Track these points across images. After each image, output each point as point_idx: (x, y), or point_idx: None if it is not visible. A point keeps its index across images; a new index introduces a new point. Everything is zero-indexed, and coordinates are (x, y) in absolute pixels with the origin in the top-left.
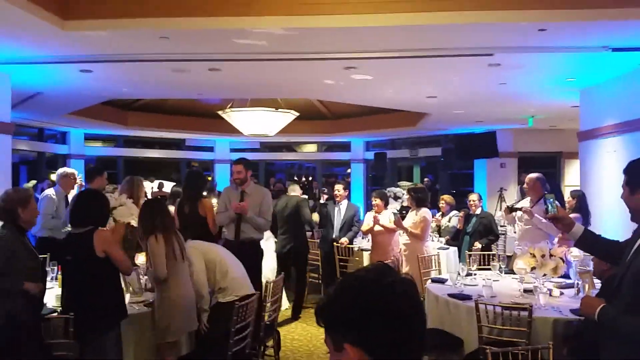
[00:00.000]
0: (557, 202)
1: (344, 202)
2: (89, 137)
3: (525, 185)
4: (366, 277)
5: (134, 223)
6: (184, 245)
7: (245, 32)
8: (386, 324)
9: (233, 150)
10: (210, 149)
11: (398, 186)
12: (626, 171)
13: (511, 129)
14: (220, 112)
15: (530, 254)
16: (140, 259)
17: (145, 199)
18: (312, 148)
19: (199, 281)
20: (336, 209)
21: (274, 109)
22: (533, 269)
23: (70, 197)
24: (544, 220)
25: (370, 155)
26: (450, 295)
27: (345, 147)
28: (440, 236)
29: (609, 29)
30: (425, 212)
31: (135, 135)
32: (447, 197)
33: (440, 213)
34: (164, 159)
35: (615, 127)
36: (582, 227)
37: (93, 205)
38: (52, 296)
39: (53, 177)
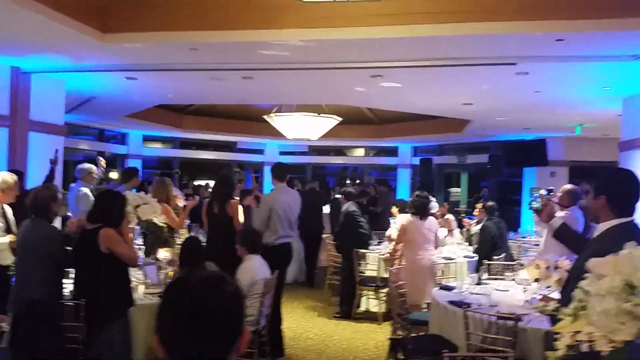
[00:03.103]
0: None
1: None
2: (147, 139)
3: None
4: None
5: (156, 220)
6: None
7: (268, 44)
8: (172, 323)
9: (282, 153)
10: (261, 152)
11: (449, 192)
12: (596, 178)
13: (562, 137)
14: (265, 117)
15: (536, 264)
16: (162, 253)
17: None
18: (360, 152)
19: None
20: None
21: (316, 114)
22: (537, 280)
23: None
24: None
25: (417, 160)
26: (450, 302)
27: (393, 152)
28: (469, 244)
29: (634, 39)
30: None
31: (190, 138)
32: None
33: (476, 221)
34: (217, 161)
35: None
36: (560, 220)
37: (107, 205)
38: None
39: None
